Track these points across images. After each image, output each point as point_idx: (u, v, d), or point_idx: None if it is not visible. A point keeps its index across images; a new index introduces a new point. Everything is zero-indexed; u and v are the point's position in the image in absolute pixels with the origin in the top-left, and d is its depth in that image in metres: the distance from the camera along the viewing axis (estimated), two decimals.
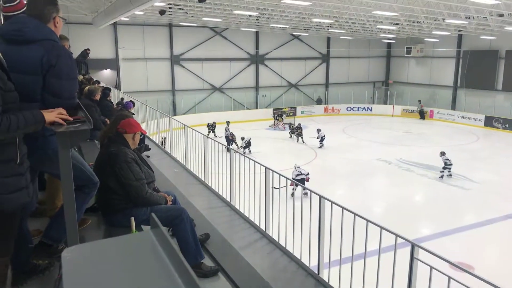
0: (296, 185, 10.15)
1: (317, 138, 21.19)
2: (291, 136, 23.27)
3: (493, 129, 26.09)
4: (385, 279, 3.59)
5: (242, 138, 19.78)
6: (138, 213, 3.43)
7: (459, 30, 24.38)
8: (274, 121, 27.57)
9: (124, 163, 3.41)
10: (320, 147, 20.96)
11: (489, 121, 26.58)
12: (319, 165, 18.15)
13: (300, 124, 23.50)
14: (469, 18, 19.10)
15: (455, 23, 20.53)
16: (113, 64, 26.26)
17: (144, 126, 10.46)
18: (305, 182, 12.69)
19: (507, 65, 26.68)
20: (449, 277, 3.05)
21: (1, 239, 2.22)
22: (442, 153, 16.06)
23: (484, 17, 18.63)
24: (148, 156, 7.77)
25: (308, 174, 13.35)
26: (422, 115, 29.95)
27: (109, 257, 0.90)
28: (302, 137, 22.10)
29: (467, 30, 23.50)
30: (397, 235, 3.42)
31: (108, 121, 5.86)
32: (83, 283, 0.82)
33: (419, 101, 30.33)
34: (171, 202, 3.75)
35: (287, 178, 4.98)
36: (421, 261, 3.26)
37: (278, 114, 27.90)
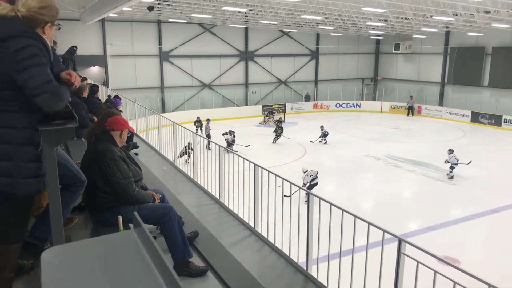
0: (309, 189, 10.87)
1: (320, 136, 21.32)
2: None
3: (480, 124, 26.46)
4: (373, 274, 3.63)
5: (231, 133, 19.61)
6: (126, 212, 3.41)
7: (447, 27, 24.63)
8: (265, 118, 27.57)
9: (111, 161, 3.39)
10: (325, 143, 21.18)
11: (476, 117, 26.95)
12: (308, 162, 18.17)
13: (280, 122, 23.28)
14: (456, 15, 19.29)
15: (443, 20, 20.73)
16: (101, 61, 26.00)
17: (132, 124, 10.40)
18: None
19: (493, 62, 27.05)
20: (435, 272, 3.09)
21: (16, 225, 2.22)
22: (451, 151, 15.66)
23: (471, 14, 18.83)
24: (136, 154, 7.71)
25: (317, 172, 13.07)
26: (411, 111, 30.22)
27: (90, 257, 0.89)
28: (278, 137, 21.68)
29: (454, 27, 23.74)
30: (384, 231, 3.44)
31: (96, 119, 5.80)
32: (62, 285, 0.81)
33: (411, 97, 30.58)
34: (159, 200, 3.73)
35: (276, 175, 4.96)
36: (408, 256, 3.29)
37: (269, 111, 27.91)
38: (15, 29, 2.11)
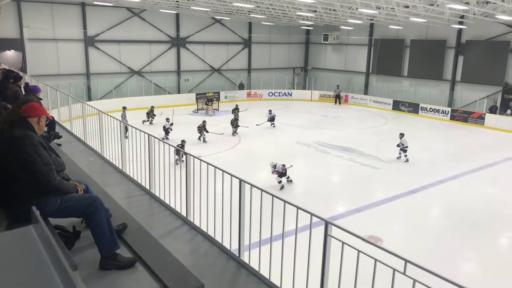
0: (280, 177, 13.15)
1: (268, 120, 22.26)
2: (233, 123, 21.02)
3: (400, 112, 28.41)
4: (303, 257, 3.76)
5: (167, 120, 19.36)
6: (47, 204, 3.19)
7: (371, 19, 25.95)
8: (203, 106, 27.24)
9: (30, 146, 3.13)
10: (273, 126, 22.24)
11: (397, 105, 28.88)
12: (243, 150, 18.38)
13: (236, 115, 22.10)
14: (379, 8, 20.36)
15: (367, 12, 21.79)
16: (17, 44, 23.90)
17: (54, 113, 9.73)
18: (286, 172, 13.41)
19: (412, 53, 29.10)
20: (359, 251, 3.27)
21: None
22: (401, 135, 16.72)
23: (392, 8, 19.99)
24: (59, 145, 7.24)
25: (284, 165, 13.42)
26: (338, 99, 31.56)
27: None
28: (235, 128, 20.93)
29: (378, 19, 25.09)
30: (312, 214, 3.56)
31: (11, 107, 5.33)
32: None
33: (338, 86, 31.90)
34: (82, 192, 3.54)
35: (208, 164, 4.91)
36: (334, 238, 3.45)
37: (209, 99, 27.63)
38: None
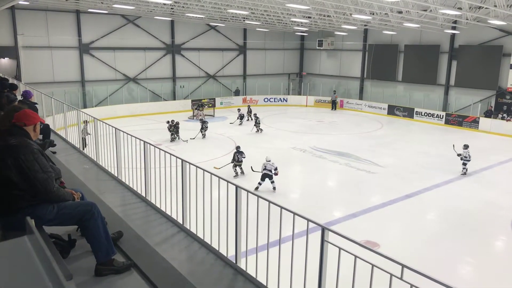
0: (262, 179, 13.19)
1: (238, 118, 24.28)
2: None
3: (395, 117, 28.54)
4: (300, 263, 3.75)
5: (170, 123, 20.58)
6: (43, 212, 3.17)
7: (365, 25, 26.15)
8: (194, 112, 27.23)
9: (30, 154, 3.12)
10: (248, 119, 24.41)
11: (391, 110, 29.01)
12: None
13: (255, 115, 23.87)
14: (373, 14, 20.53)
15: (361, 18, 21.96)
16: (11, 52, 23.83)
17: (49, 121, 9.69)
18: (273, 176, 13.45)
19: (406, 58, 29.31)
20: (356, 256, 3.27)
21: None
22: (466, 146, 15.38)
23: (385, 14, 20.15)
24: (54, 153, 7.20)
25: (276, 169, 13.46)
26: (334, 105, 31.66)
27: None
28: (258, 126, 22.79)
29: (372, 25, 25.30)
30: (308, 220, 3.55)
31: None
32: None
33: (334, 91, 32.00)
34: (78, 199, 3.53)
35: (204, 170, 4.91)
36: (331, 243, 3.44)
37: (199, 105, 27.63)
38: None
